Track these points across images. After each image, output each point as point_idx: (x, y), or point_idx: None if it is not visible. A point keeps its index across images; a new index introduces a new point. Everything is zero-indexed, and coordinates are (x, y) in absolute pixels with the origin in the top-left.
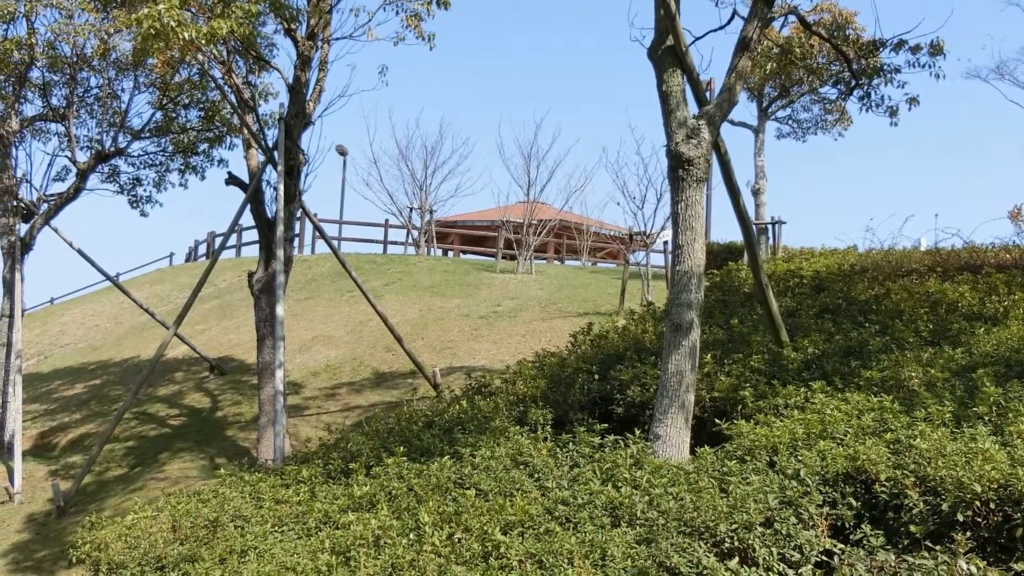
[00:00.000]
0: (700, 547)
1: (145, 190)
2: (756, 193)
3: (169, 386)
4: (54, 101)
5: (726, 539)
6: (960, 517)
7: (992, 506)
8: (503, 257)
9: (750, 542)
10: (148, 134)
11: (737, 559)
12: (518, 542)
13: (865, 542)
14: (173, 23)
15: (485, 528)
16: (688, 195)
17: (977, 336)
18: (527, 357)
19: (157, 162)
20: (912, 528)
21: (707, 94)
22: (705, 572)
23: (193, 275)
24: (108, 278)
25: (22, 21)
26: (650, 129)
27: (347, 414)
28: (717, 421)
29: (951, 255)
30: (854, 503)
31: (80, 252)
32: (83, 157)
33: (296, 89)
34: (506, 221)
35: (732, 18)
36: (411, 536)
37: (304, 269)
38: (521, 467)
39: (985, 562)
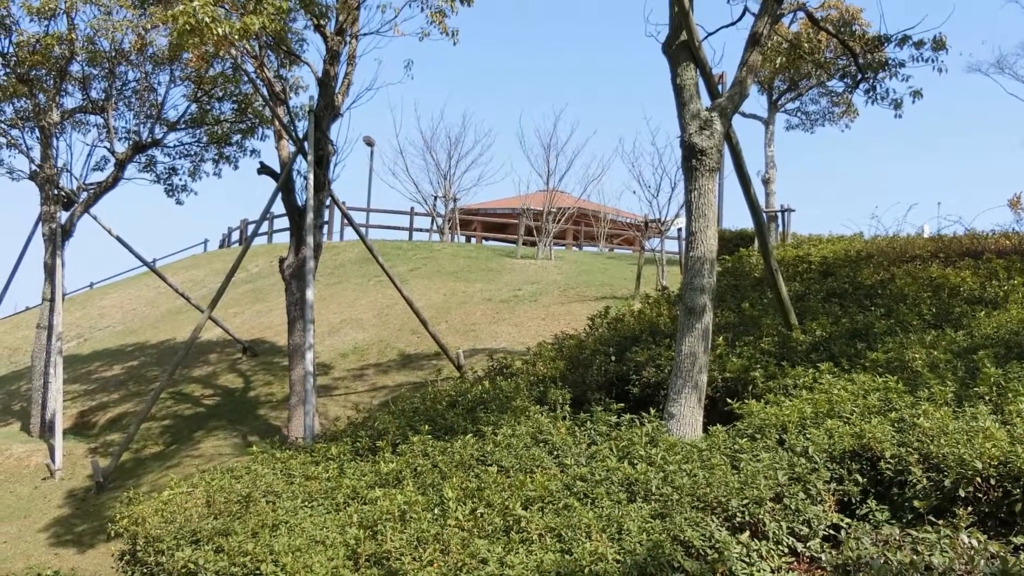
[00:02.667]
0: (712, 521)
1: (180, 179)
2: (766, 182)
3: (203, 367)
4: (93, 94)
5: (737, 514)
6: (962, 493)
7: (992, 482)
8: (524, 243)
9: (760, 517)
10: (183, 125)
11: (748, 533)
12: (538, 516)
13: (871, 516)
14: (207, 19)
15: (506, 503)
16: (701, 184)
17: (978, 319)
18: (547, 339)
19: (192, 152)
20: (916, 503)
21: (719, 87)
22: (717, 545)
23: (227, 261)
24: (145, 263)
25: (63, 17)
26: (665, 121)
27: (374, 394)
28: (729, 401)
29: (953, 241)
30: (860, 479)
31: (118, 239)
32: (121, 148)
33: (325, 82)
34: (526, 209)
35: (743, 14)
36: (435, 511)
37: (333, 255)
38: (541, 445)
39: (986, 536)
